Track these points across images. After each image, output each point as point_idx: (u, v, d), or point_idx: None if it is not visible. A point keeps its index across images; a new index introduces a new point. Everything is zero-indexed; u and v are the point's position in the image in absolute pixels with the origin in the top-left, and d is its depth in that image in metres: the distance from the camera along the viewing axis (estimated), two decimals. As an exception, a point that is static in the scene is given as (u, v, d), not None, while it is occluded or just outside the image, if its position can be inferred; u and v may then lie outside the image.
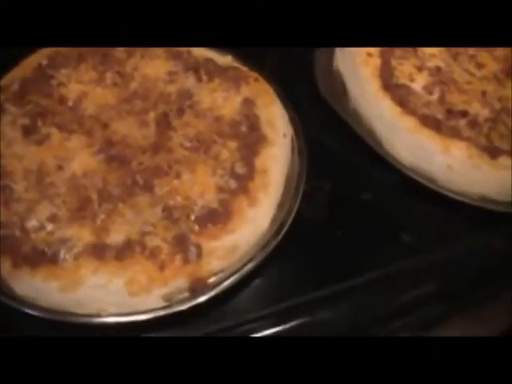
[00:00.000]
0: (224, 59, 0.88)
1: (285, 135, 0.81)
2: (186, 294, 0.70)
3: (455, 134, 0.86)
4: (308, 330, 0.73)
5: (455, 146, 0.84)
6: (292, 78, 0.91)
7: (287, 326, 0.73)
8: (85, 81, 0.85)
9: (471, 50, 0.99)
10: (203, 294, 0.70)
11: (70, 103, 0.82)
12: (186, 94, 0.83)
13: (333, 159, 0.87)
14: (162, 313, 0.68)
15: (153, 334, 0.70)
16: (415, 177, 0.86)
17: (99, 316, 0.68)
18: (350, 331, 0.75)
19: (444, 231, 0.85)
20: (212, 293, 0.70)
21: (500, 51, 1.00)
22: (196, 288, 0.69)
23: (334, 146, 0.88)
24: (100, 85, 0.84)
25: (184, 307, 0.69)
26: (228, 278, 0.71)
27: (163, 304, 0.69)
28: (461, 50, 0.98)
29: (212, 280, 0.71)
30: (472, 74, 0.95)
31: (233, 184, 0.74)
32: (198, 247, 0.69)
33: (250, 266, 0.72)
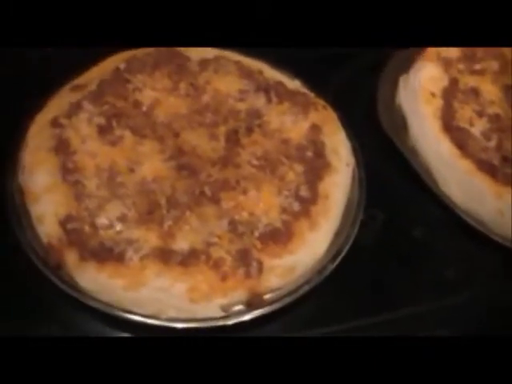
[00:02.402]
0: (293, 83, 0.91)
1: (348, 164, 0.84)
2: (242, 307, 0.72)
3: (509, 181, 0.88)
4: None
5: (508, 192, 0.86)
6: (355, 108, 0.93)
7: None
8: (159, 88, 0.87)
9: (529, 100, 1.01)
10: (258, 308, 0.72)
11: (144, 108, 0.85)
12: (255, 114, 0.86)
13: (389, 191, 0.89)
14: (217, 323, 0.70)
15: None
16: (466, 218, 0.88)
17: (157, 318, 0.70)
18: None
19: (488, 274, 0.87)
20: (267, 309, 0.72)
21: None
22: (253, 302, 0.72)
23: (391, 179, 0.91)
24: (173, 94, 0.87)
25: (242, 319, 0.70)
26: (284, 296, 0.73)
27: (221, 314, 0.71)
28: (519, 98, 1.00)
29: (268, 296, 0.73)
30: (529, 123, 0.97)
31: (296, 206, 0.77)
32: (260, 263, 0.72)
33: (305, 288, 0.74)
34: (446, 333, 0.80)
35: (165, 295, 0.70)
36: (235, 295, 0.71)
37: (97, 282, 0.71)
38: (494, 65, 1.04)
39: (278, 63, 0.95)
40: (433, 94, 0.95)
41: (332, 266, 0.76)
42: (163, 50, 0.91)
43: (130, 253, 0.71)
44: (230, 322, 0.72)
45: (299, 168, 0.80)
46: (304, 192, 0.78)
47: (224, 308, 0.71)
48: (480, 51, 1.05)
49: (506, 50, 1.07)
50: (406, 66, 1.02)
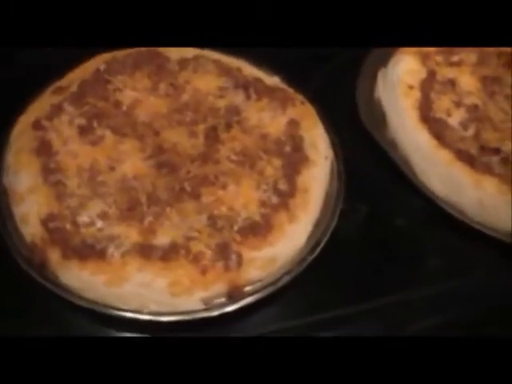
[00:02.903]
0: (272, 80, 0.92)
1: (326, 157, 0.85)
2: (223, 299, 0.73)
3: (488, 169, 0.89)
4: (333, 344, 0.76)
5: (487, 181, 0.87)
6: (334, 102, 0.94)
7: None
8: (139, 88, 0.89)
9: (508, 90, 1.02)
10: (239, 300, 0.73)
11: (125, 108, 0.86)
12: (234, 110, 0.87)
13: (369, 184, 0.90)
14: (200, 315, 0.71)
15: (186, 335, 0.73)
16: (446, 208, 0.89)
17: (140, 312, 0.72)
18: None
19: (470, 262, 0.88)
20: (248, 300, 0.73)
21: (537, 95, 1.03)
22: (233, 294, 0.73)
23: (371, 172, 0.92)
24: (153, 93, 0.88)
25: (222, 311, 0.72)
26: (264, 288, 0.74)
27: (202, 306, 0.72)
28: (497, 89, 1.02)
29: (249, 288, 0.74)
30: (507, 113, 0.99)
31: (275, 199, 0.78)
32: (239, 256, 0.73)
33: (286, 279, 0.75)
34: (430, 321, 0.81)
35: (147, 290, 0.71)
36: (216, 288, 0.72)
37: (80, 279, 0.72)
38: (472, 57, 1.06)
39: (258, 61, 0.96)
40: (410, 87, 0.97)
41: (312, 257, 0.77)
42: (143, 50, 0.93)
43: (111, 249, 0.72)
44: (213, 313, 0.72)
45: (278, 162, 0.82)
46: (282, 185, 0.79)
47: (205, 301, 0.72)
48: (457, 43, 1.07)
49: (485, 44, 1.08)
50: (384, 60, 1.03)
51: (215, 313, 0.72)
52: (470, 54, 1.06)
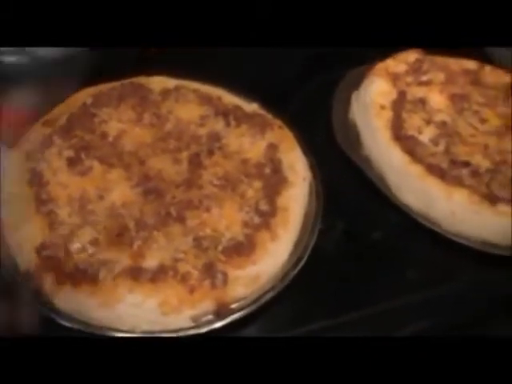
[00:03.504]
0: (250, 106, 0.97)
1: (304, 178, 0.90)
2: (211, 317, 0.77)
3: (458, 182, 0.94)
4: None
5: (458, 192, 0.92)
6: (311, 125, 0.99)
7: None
8: (124, 120, 0.93)
9: (475, 106, 1.08)
10: (226, 317, 0.77)
11: (111, 139, 0.91)
12: (215, 137, 0.92)
13: (347, 201, 0.95)
14: (189, 332, 0.75)
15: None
16: (421, 220, 0.93)
17: (133, 332, 0.75)
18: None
19: (446, 271, 0.92)
20: (235, 317, 0.77)
21: (502, 108, 1.09)
22: (221, 311, 0.77)
23: (348, 190, 0.96)
24: (138, 124, 0.93)
25: (211, 328, 0.76)
26: (250, 304, 0.78)
27: (191, 324, 0.76)
28: (466, 105, 1.07)
29: (235, 305, 0.78)
30: (475, 128, 1.04)
31: (256, 220, 0.83)
32: (225, 275, 0.77)
33: (269, 295, 0.79)
34: (408, 331, 0.85)
35: (138, 310, 0.75)
36: (203, 306, 0.76)
37: (74, 303, 0.76)
38: (440, 76, 1.11)
39: (237, 88, 1.01)
40: (382, 107, 1.02)
41: (294, 273, 0.81)
42: (127, 84, 0.98)
43: (103, 273, 0.76)
44: (202, 330, 0.76)
45: (258, 184, 0.86)
46: (263, 206, 0.84)
47: (194, 318, 0.76)
48: (426, 64, 1.13)
49: (451, 62, 1.14)
50: (357, 83, 1.08)
51: (204, 329, 0.76)
52: (438, 74, 1.12)
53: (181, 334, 0.76)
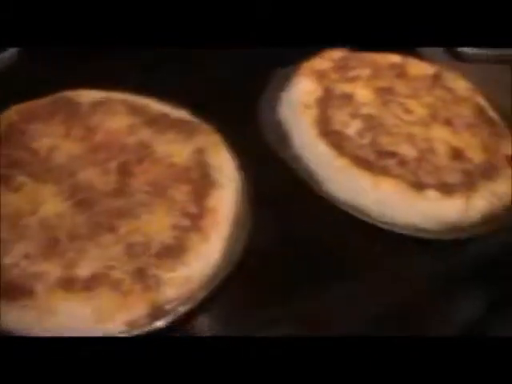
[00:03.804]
0: (179, 113, 0.99)
1: (232, 179, 0.92)
2: (146, 320, 0.79)
3: (385, 172, 0.97)
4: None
5: (385, 182, 0.95)
6: (240, 128, 1.01)
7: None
8: (54, 134, 0.95)
9: (401, 98, 1.11)
10: (161, 319, 0.79)
11: (42, 155, 0.92)
12: (144, 145, 0.94)
13: (278, 199, 0.97)
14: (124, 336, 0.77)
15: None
16: (352, 212, 0.96)
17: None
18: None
19: (378, 258, 0.95)
20: (169, 318, 0.79)
21: (426, 98, 1.12)
22: (155, 314, 0.79)
23: (279, 188, 0.98)
24: (68, 138, 0.95)
25: (144, 331, 0.78)
26: (183, 304, 0.80)
27: (125, 329, 0.78)
28: (391, 98, 1.11)
29: (169, 307, 0.80)
30: (401, 119, 1.07)
31: (186, 223, 0.85)
32: (157, 278, 0.79)
33: (201, 295, 0.81)
34: (343, 321, 0.88)
35: (73, 320, 0.77)
36: (137, 310, 0.78)
37: (11, 317, 0.77)
38: (366, 71, 1.15)
39: (165, 97, 1.03)
40: (308, 105, 1.05)
41: (225, 272, 0.83)
42: (56, 98, 0.99)
43: (37, 286, 0.77)
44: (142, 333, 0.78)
45: (186, 188, 0.88)
46: (192, 209, 0.86)
47: (128, 323, 0.78)
48: (352, 60, 1.16)
49: (377, 57, 1.18)
50: (285, 83, 1.11)
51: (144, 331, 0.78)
52: (364, 69, 1.15)
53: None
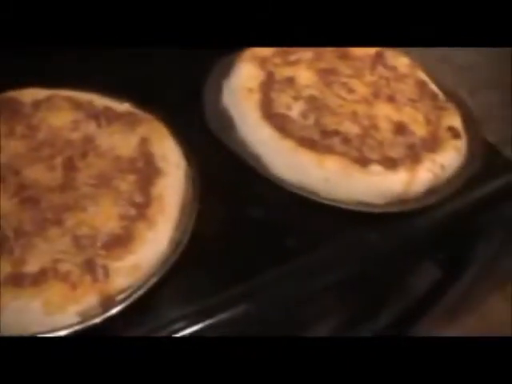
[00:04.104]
0: (122, 106, 1.00)
1: (177, 166, 0.93)
2: (99, 310, 0.80)
3: (329, 150, 0.99)
4: (213, 330, 0.84)
5: (329, 159, 0.97)
6: (184, 116, 1.02)
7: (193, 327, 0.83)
8: (-3, 134, 0.95)
9: (343, 78, 1.13)
10: (112, 308, 0.80)
11: (-15, 155, 0.92)
12: (88, 139, 0.95)
13: (224, 184, 0.99)
14: (78, 327, 0.78)
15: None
16: (298, 191, 0.98)
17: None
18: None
19: (330, 234, 0.97)
20: (120, 306, 0.80)
21: (368, 77, 1.14)
22: (106, 303, 0.80)
23: (225, 173, 1.00)
24: (11, 137, 0.95)
25: (97, 320, 0.78)
26: (134, 292, 0.81)
27: (78, 320, 0.78)
28: (334, 78, 1.13)
29: (121, 296, 0.81)
30: (344, 99, 1.09)
31: (132, 212, 0.86)
32: (105, 268, 0.80)
33: (152, 281, 0.83)
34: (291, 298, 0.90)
35: (24, 315, 0.77)
36: (88, 301, 0.79)
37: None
38: (308, 54, 1.16)
39: (108, 91, 1.03)
40: (251, 90, 1.06)
41: (175, 257, 0.85)
42: (-1, 99, 0.99)
43: (-14, 284, 0.78)
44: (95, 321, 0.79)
45: (132, 178, 0.89)
46: (138, 198, 0.87)
47: (80, 314, 0.78)
48: (294, 44, 1.17)
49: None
50: (228, 71, 1.12)
51: (92, 323, 0.78)
52: (306, 52, 1.17)
53: (70, 330, 0.78)
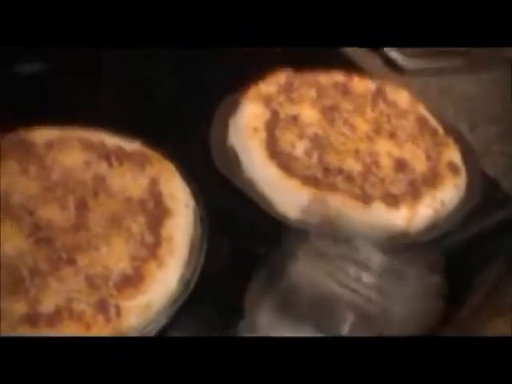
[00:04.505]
0: (132, 145, 1.03)
1: (186, 206, 0.96)
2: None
3: (333, 188, 1.02)
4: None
5: (332, 198, 1.00)
6: (191, 155, 1.05)
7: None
8: (10, 173, 0.98)
9: (345, 115, 1.17)
10: (125, 347, 0.83)
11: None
12: (99, 179, 0.98)
13: (231, 222, 1.01)
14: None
15: None
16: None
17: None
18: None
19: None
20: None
21: (370, 114, 1.18)
22: (119, 342, 0.82)
23: (232, 211, 1.03)
24: (24, 177, 0.98)
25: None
26: (146, 331, 0.84)
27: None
28: (336, 115, 1.16)
29: (132, 335, 0.84)
30: (346, 136, 1.13)
31: (143, 252, 0.89)
32: (117, 307, 0.83)
33: (163, 320, 0.86)
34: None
35: (39, 355, 0.80)
36: (101, 340, 0.81)
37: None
38: (311, 91, 1.19)
39: (118, 130, 1.07)
40: (256, 129, 1.09)
41: (185, 296, 0.88)
42: (9, 138, 1.02)
43: (2, 324, 0.81)
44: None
45: (142, 219, 0.92)
46: (148, 239, 0.90)
47: (94, 353, 0.81)
48: (297, 82, 1.21)
49: (321, 77, 1.23)
50: (234, 109, 1.16)
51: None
52: (309, 90, 1.20)
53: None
